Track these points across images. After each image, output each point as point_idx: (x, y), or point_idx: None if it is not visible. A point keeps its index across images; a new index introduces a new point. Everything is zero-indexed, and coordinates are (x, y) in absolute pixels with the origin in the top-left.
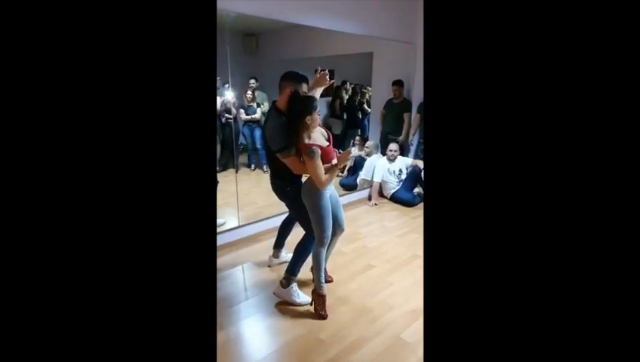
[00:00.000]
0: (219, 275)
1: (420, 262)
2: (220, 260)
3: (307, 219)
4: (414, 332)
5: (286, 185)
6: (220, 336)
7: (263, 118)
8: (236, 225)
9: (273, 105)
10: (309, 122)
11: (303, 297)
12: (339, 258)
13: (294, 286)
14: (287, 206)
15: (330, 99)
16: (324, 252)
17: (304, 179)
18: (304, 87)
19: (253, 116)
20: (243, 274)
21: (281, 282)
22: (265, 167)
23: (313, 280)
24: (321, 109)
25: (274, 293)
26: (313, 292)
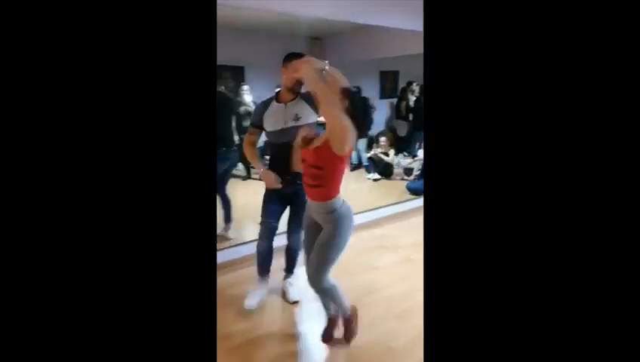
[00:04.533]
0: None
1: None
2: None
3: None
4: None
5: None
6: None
7: None
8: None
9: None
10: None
11: (293, 295)
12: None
13: (290, 280)
14: (293, 209)
15: (395, 100)
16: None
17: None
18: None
19: None
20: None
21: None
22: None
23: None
24: (385, 111)
25: (284, 280)
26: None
